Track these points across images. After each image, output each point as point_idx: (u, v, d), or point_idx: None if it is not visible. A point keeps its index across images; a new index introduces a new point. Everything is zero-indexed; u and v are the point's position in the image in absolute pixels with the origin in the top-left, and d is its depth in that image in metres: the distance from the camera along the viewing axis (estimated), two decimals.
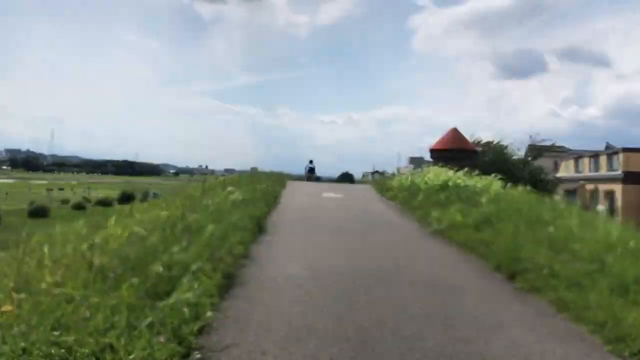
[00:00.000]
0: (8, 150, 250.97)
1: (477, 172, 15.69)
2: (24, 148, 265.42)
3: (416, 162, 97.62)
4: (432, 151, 21.74)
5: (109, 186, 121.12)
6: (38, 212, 30.84)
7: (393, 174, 25.83)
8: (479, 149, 35.06)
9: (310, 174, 28.09)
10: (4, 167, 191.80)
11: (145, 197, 56.18)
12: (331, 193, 17.83)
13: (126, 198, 47.78)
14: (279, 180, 21.13)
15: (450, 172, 15.67)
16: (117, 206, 45.19)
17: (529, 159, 29.88)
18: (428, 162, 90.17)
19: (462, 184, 13.72)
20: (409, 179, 16.83)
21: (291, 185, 20.81)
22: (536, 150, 30.81)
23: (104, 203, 42.32)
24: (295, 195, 16.77)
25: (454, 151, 19.92)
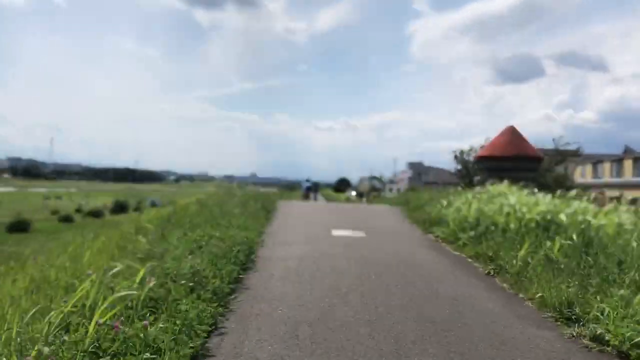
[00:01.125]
0: (9, 159, 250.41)
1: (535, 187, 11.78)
2: (25, 156, 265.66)
3: (415, 167, 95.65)
4: (482, 159, 15.44)
5: (109, 194, 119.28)
6: (18, 227, 28.49)
7: (411, 190, 23.29)
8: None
9: (309, 192, 25.75)
10: (5, 176, 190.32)
11: (139, 206, 54.22)
12: (347, 231, 10.82)
13: (119, 208, 45.60)
14: (266, 203, 15.48)
15: (524, 194, 10.66)
16: (108, 218, 43.07)
17: (553, 164, 27.68)
18: (428, 168, 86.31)
19: (572, 219, 7.99)
20: (472, 206, 10.44)
21: (283, 211, 14.62)
22: (560, 155, 28.61)
23: (95, 214, 39.95)
24: (287, 233, 10.35)
25: (515, 159, 14.03)
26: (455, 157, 34.58)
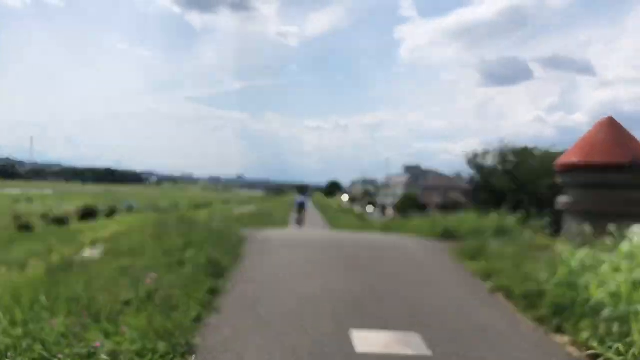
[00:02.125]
0: None
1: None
2: (3, 155, 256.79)
3: (412, 171, 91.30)
4: (568, 170, 8.56)
5: (85, 196, 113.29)
6: None
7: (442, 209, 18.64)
8: (513, 159, 28.51)
9: (301, 209, 20.71)
10: None
11: (112, 211, 49.18)
12: (384, 335, 4.51)
13: (88, 214, 40.54)
14: (224, 246, 7.98)
15: None
16: (74, 225, 38.13)
17: None
18: (426, 172, 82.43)
19: None
20: None
21: (250, 263, 7.47)
22: None
23: (59, 221, 34.85)
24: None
25: (631, 169, 7.75)
26: (469, 161, 29.91)
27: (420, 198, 66.05)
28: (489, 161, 29.50)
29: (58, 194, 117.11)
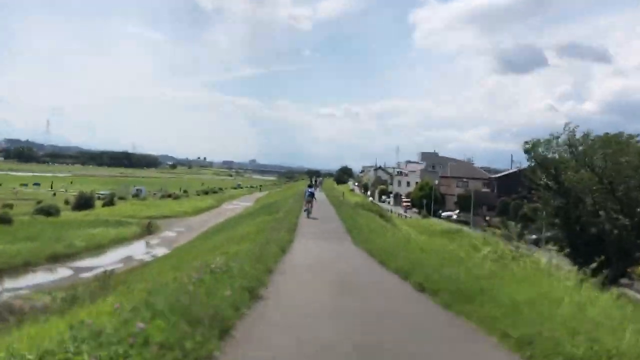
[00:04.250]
0: (8, 140, 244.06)
1: None
2: (24, 138, 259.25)
3: (428, 158, 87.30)
4: None
5: (97, 181, 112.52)
6: None
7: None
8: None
9: (311, 199, 22.92)
10: None
11: (111, 199, 47.20)
12: None
13: (83, 203, 38.68)
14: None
15: None
16: (64, 215, 36.24)
17: None
18: (444, 158, 77.42)
19: None
20: None
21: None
22: None
23: (48, 212, 32.84)
24: None
25: None
26: (527, 151, 24.43)
27: (437, 188, 62.95)
28: (555, 152, 23.09)
29: (69, 177, 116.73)
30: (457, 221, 50.48)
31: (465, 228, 42.28)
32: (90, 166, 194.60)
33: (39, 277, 18.88)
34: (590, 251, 16.26)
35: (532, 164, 24.75)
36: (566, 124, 22.69)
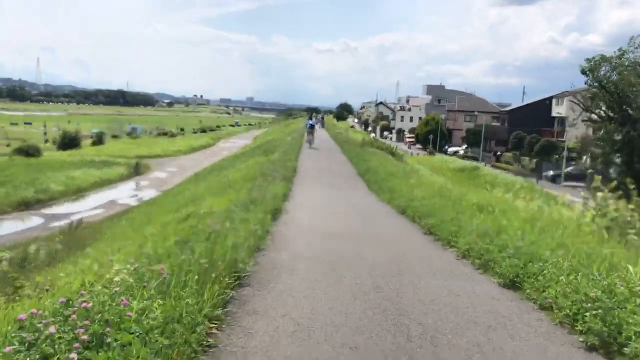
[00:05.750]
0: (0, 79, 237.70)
1: None
2: (15, 77, 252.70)
3: (434, 91, 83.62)
4: None
5: (94, 119, 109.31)
6: None
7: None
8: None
9: (312, 130, 24.71)
10: None
11: (100, 137, 44.72)
12: None
13: (69, 142, 36.18)
14: None
15: None
16: (47, 155, 33.91)
17: None
18: (450, 92, 73.84)
19: None
20: None
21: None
22: None
23: (28, 153, 30.49)
24: None
25: None
26: (584, 71, 21.10)
27: (444, 122, 60.02)
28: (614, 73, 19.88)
29: (62, 116, 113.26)
30: (464, 156, 48.11)
31: (479, 164, 40.10)
32: (86, 105, 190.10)
33: None
34: None
35: (593, 87, 20.79)
36: (631, 39, 19.13)
